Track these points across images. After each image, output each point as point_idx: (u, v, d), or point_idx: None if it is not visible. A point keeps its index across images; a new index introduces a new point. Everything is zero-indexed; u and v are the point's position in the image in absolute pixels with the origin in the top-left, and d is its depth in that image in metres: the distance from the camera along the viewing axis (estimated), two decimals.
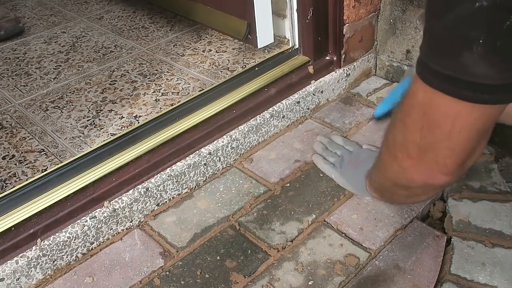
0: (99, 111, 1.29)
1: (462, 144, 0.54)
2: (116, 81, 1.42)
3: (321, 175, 1.12)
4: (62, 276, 0.95)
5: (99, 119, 1.26)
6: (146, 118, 1.23)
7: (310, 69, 1.32)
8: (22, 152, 1.16)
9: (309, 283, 0.90)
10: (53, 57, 1.58)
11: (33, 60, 1.57)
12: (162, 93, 1.34)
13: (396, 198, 0.78)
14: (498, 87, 0.48)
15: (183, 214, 1.06)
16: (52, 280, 0.94)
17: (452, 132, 0.53)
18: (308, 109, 1.32)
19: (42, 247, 0.92)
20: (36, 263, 0.92)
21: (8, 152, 1.17)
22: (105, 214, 0.99)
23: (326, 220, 1.02)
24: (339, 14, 1.29)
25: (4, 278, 0.89)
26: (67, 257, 0.96)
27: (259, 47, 1.40)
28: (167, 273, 0.94)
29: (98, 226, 0.99)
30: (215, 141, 1.15)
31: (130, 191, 1.03)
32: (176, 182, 1.09)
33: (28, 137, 1.22)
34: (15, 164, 1.12)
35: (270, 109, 1.24)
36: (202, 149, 1.13)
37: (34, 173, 1.09)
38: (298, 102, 1.29)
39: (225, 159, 1.17)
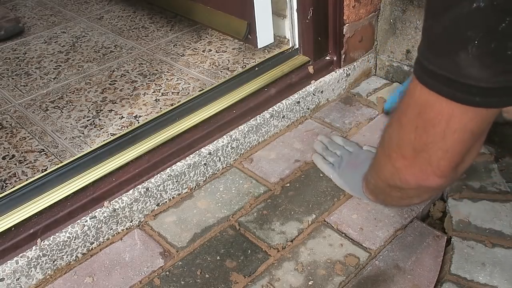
0: (99, 111, 1.29)
1: (456, 146, 0.55)
2: (116, 81, 1.42)
3: (321, 175, 1.12)
4: (62, 276, 0.95)
5: (99, 119, 1.26)
6: (146, 118, 1.23)
7: (310, 69, 1.32)
8: (22, 152, 1.16)
9: (309, 283, 0.90)
10: (53, 57, 1.58)
11: (33, 60, 1.57)
12: (162, 93, 1.34)
13: (390, 200, 0.78)
14: (491, 90, 0.48)
15: (183, 214, 1.06)
16: (52, 280, 0.94)
17: (446, 132, 0.53)
18: (308, 109, 1.32)
19: (42, 247, 0.92)
20: (36, 263, 0.92)
21: (8, 152, 1.17)
22: (105, 214, 0.99)
23: (326, 220, 1.02)
24: (339, 14, 1.29)
25: (4, 278, 0.89)
26: (67, 257, 0.96)
27: (259, 47, 1.40)
28: (167, 273, 0.94)
29: (98, 226, 0.99)
30: (215, 141, 1.15)
31: (130, 191, 1.03)
32: (176, 182, 1.09)
33: (28, 137, 1.22)
34: (15, 164, 1.12)
35: (270, 109, 1.24)
36: (202, 149, 1.13)
37: (34, 173, 1.09)
38: (298, 102, 1.29)
39: (225, 159, 1.17)
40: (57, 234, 0.95)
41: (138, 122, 1.22)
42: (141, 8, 1.87)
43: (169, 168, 1.08)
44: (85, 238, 0.97)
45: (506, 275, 0.88)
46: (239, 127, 1.19)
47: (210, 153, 1.13)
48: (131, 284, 0.93)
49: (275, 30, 1.42)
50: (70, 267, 0.96)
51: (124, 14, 1.85)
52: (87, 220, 0.97)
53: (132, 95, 1.35)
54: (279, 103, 1.25)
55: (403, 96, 0.58)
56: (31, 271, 0.92)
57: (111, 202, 1.01)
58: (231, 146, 1.17)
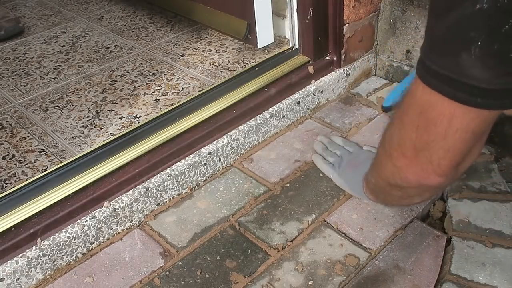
0: (99, 111, 1.29)
1: (457, 145, 0.55)
2: (116, 81, 1.42)
3: (321, 175, 1.12)
4: (62, 276, 0.95)
5: (99, 119, 1.26)
6: (146, 118, 1.23)
7: (310, 69, 1.32)
8: (22, 152, 1.16)
9: (309, 283, 0.90)
10: (53, 57, 1.58)
11: (33, 60, 1.57)
12: (162, 93, 1.34)
13: (390, 200, 0.78)
14: (492, 92, 0.48)
15: (183, 214, 1.06)
16: (52, 280, 0.94)
17: (447, 132, 0.53)
18: (308, 109, 1.32)
19: (42, 247, 0.92)
20: (36, 263, 0.92)
21: (8, 152, 1.17)
22: (105, 214, 0.99)
23: (326, 220, 1.02)
24: (339, 14, 1.29)
25: (4, 278, 0.89)
26: (67, 257, 0.96)
27: (259, 47, 1.40)
28: (167, 273, 0.94)
29: (98, 226, 0.99)
30: (215, 141, 1.15)
31: (130, 191, 1.03)
32: (176, 182, 1.09)
33: (28, 137, 1.22)
34: (15, 164, 1.12)
35: (270, 109, 1.24)
36: (202, 149, 1.13)
37: (34, 173, 1.09)
38: (298, 102, 1.29)
39: (225, 159, 1.17)
40: (57, 234, 0.95)
41: (138, 122, 1.22)
42: (141, 8, 1.87)
43: (169, 168, 1.08)
44: (85, 238, 0.97)
45: (506, 275, 0.88)
46: (239, 127, 1.19)
47: (210, 153, 1.13)
48: (131, 284, 0.93)
49: (275, 30, 1.42)
50: (70, 267, 0.96)
51: (124, 14, 1.85)
52: (87, 220, 0.97)
53: (132, 95, 1.35)
54: (279, 103, 1.25)
55: (404, 95, 0.58)
56: (31, 271, 0.92)
57: (111, 202, 1.01)
58: (231, 146, 1.17)
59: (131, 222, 1.04)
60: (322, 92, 1.34)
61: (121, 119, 1.25)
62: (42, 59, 1.57)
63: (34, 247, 0.92)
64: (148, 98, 1.33)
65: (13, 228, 0.93)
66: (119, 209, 1.00)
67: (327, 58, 1.37)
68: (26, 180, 1.02)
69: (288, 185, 1.11)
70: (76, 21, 1.83)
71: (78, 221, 0.97)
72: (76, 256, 0.98)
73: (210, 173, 1.15)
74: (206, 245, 0.99)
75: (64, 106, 1.32)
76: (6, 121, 1.29)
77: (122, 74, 1.46)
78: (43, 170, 1.09)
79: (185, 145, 1.11)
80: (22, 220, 0.94)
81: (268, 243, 0.98)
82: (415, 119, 0.56)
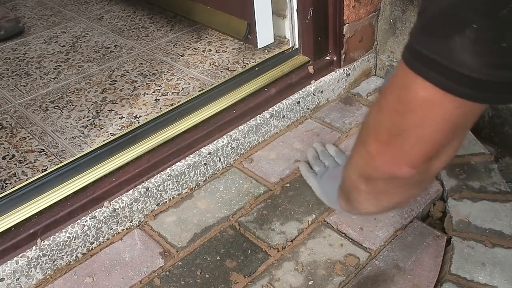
0: (99, 111, 1.29)
1: (431, 135, 0.52)
2: (116, 81, 1.42)
3: None
4: (62, 276, 0.95)
5: (99, 119, 1.26)
6: (146, 118, 1.23)
7: (310, 69, 1.32)
8: (22, 152, 1.16)
9: (309, 283, 0.90)
10: (53, 57, 1.58)
11: (33, 60, 1.57)
12: (162, 93, 1.34)
13: (357, 198, 0.69)
14: (478, 82, 0.46)
15: (183, 214, 1.06)
16: (52, 280, 0.94)
17: (424, 120, 0.51)
18: (308, 109, 1.32)
19: (42, 247, 0.92)
20: (36, 263, 0.92)
21: (8, 152, 1.17)
22: (105, 214, 0.99)
23: (326, 220, 1.02)
24: (339, 14, 1.29)
25: (4, 278, 0.89)
26: (67, 257, 0.96)
27: (259, 47, 1.40)
28: (167, 273, 0.94)
29: (98, 226, 0.99)
30: (215, 141, 1.15)
31: (130, 191, 1.03)
32: (176, 182, 1.09)
33: (28, 137, 1.22)
34: (15, 164, 1.12)
35: (270, 109, 1.24)
36: (202, 149, 1.13)
37: (34, 173, 1.09)
38: (298, 102, 1.29)
39: (225, 159, 1.17)
40: (57, 234, 0.95)
41: (138, 122, 1.22)
42: (141, 8, 1.87)
43: (169, 168, 1.08)
44: (85, 238, 0.97)
45: (506, 275, 0.88)
46: (239, 127, 1.19)
47: (210, 153, 1.13)
48: (131, 284, 0.93)
49: (275, 30, 1.42)
50: (70, 267, 0.96)
51: (124, 14, 1.85)
52: (87, 220, 0.97)
53: (132, 95, 1.35)
54: (279, 103, 1.25)
55: (386, 81, 0.56)
56: (31, 271, 0.92)
57: (111, 202, 1.01)
58: (231, 146, 1.17)
59: (131, 222, 1.04)
60: (322, 92, 1.34)
61: (121, 119, 1.25)
62: (42, 59, 1.57)
63: (34, 247, 0.92)
64: (148, 98, 1.33)
65: (13, 228, 0.93)
66: (119, 209, 1.00)
67: (327, 58, 1.37)
68: (26, 180, 1.02)
69: (288, 185, 1.11)
70: (76, 21, 1.83)
71: (78, 221, 0.97)
72: (76, 256, 0.98)
73: (210, 173, 1.15)
74: (206, 245, 0.99)
75: (64, 106, 1.32)
76: (6, 121, 1.29)
77: (122, 74, 1.46)
78: (43, 170, 1.09)
79: (185, 145, 1.11)
80: (22, 220, 0.94)
81: (268, 243, 0.98)
82: (394, 104, 0.54)
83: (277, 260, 0.95)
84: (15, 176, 1.09)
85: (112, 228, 1.01)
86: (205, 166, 1.13)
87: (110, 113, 1.28)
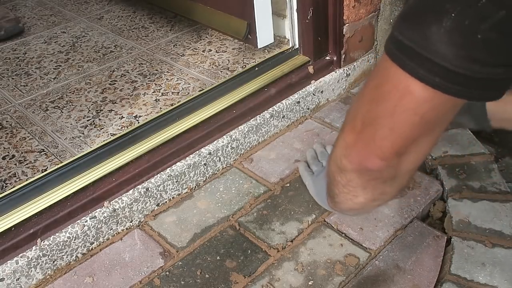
0: (99, 111, 1.29)
1: (402, 127, 0.51)
2: (116, 81, 1.42)
3: None
4: (62, 276, 0.95)
5: (99, 119, 1.26)
6: (146, 118, 1.23)
7: (310, 69, 1.32)
8: (22, 152, 1.16)
9: (309, 283, 0.90)
10: (53, 57, 1.58)
11: (33, 60, 1.57)
12: (162, 93, 1.34)
13: (335, 191, 0.67)
14: (453, 74, 0.45)
15: (183, 214, 1.06)
16: (52, 280, 0.94)
17: (396, 109, 0.50)
18: (308, 109, 1.32)
19: (42, 247, 0.92)
20: (36, 263, 0.92)
21: (8, 152, 1.17)
22: (105, 214, 0.99)
23: (326, 220, 1.02)
24: (339, 14, 1.29)
25: (4, 278, 0.89)
26: (67, 257, 0.96)
27: (259, 47, 1.40)
28: (167, 273, 0.94)
29: (98, 226, 0.99)
30: (215, 141, 1.15)
31: (130, 191, 1.03)
32: (176, 182, 1.09)
33: (28, 137, 1.22)
34: (15, 164, 1.12)
35: (270, 109, 1.24)
36: (202, 149, 1.13)
37: (34, 173, 1.09)
38: (298, 102, 1.29)
39: (225, 159, 1.17)
40: (57, 234, 0.95)
41: (138, 122, 1.22)
42: (141, 8, 1.87)
43: (169, 168, 1.08)
44: (85, 238, 0.97)
45: (506, 275, 0.88)
46: (239, 127, 1.19)
47: (210, 153, 1.13)
48: (131, 284, 0.93)
49: (275, 30, 1.42)
50: (70, 267, 0.96)
51: (124, 14, 1.85)
52: (87, 220, 0.97)
53: (132, 95, 1.35)
54: (279, 103, 1.25)
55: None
56: (31, 271, 0.92)
57: (111, 202, 1.01)
58: (231, 146, 1.17)
59: (131, 222, 1.04)
60: (322, 92, 1.34)
61: (121, 119, 1.25)
62: (42, 59, 1.57)
63: (34, 247, 0.92)
64: (148, 98, 1.33)
65: (13, 228, 0.93)
66: (119, 209, 1.00)
67: (327, 58, 1.37)
68: (26, 180, 1.02)
69: (288, 185, 1.11)
70: (76, 21, 1.83)
71: (78, 221, 0.97)
72: (76, 256, 0.98)
73: (210, 173, 1.15)
74: (206, 245, 0.99)
75: (64, 106, 1.32)
76: (6, 121, 1.29)
77: (122, 74, 1.46)
78: (43, 170, 1.09)
79: (185, 145, 1.11)
80: (22, 220, 0.94)
81: (268, 243, 0.98)
82: (371, 92, 0.53)
83: (277, 260, 0.95)
84: (15, 176, 1.09)
85: (112, 228, 1.01)
86: (205, 166, 1.13)
87: (110, 113, 1.28)
